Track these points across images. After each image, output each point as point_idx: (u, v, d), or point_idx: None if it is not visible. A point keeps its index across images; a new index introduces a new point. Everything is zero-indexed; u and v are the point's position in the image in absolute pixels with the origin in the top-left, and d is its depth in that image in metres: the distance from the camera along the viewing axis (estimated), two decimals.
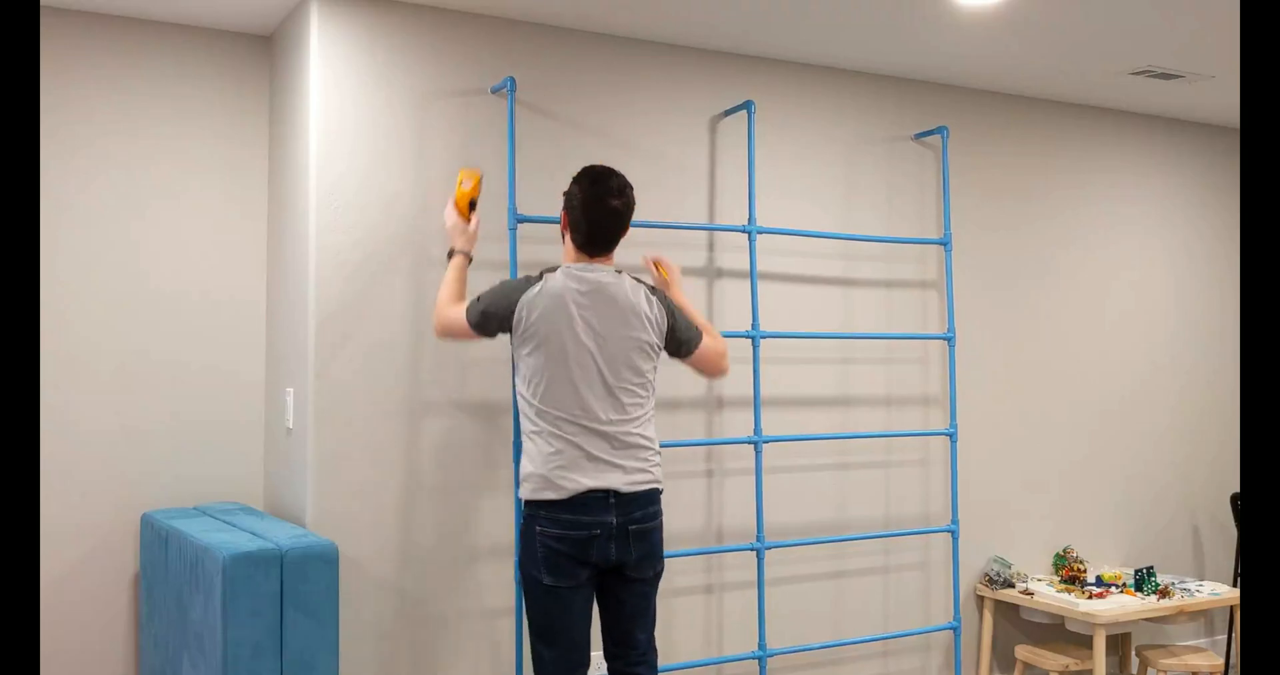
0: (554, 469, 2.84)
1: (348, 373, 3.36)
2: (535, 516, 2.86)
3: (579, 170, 2.99)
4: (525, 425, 2.93)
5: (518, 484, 3.00)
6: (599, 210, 2.91)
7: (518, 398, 2.97)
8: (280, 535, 2.96)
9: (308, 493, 3.31)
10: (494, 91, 3.58)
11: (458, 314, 2.99)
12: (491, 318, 2.94)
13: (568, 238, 3.00)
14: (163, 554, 3.26)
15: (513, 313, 2.89)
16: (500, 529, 3.56)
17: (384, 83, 3.44)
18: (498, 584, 3.55)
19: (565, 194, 2.99)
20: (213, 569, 2.82)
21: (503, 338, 3.57)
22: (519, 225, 3.58)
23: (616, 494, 2.85)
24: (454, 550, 3.49)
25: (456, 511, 3.50)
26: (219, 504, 3.62)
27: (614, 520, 2.84)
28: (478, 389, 3.53)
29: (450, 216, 3.20)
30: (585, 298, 2.89)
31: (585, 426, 2.86)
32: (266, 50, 3.80)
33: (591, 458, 2.84)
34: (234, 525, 3.17)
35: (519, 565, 2.95)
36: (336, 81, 3.38)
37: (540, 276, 2.94)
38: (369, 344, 3.39)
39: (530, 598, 2.89)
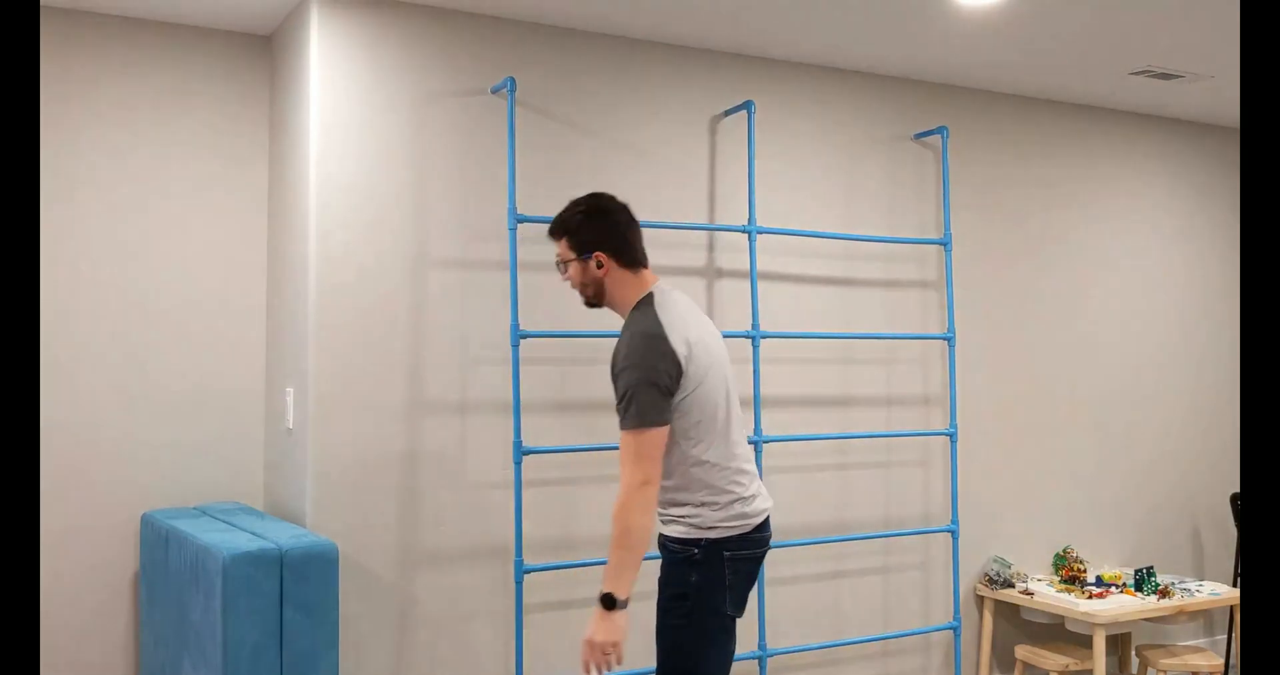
0: (747, 504, 2.62)
1: (348, 373, 3.36)
2: (724, 541, 2.59)
3: (584, 205, 2.68)
4: (696, 472, 2.59)
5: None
6: (633, 219, 2.69)
7: (683, 440, 2.58)
8: (280, 535, 2.96)
9: (308, 493, 3.31)
10: (494, 91, 3.58)
11: (641, 442, 2.49)
12: (665, 388, 2.52)
13: (614, 267, 2.65)
14: (163, 554, 3.26)
15: (678, 362, 2.54)
16: (500, 529, 3.56)
17: (384, 83, 3.44)
18: (498, 584, 3.55)
19: (585, 231, 2.65)
20: (213, 569, 2.82)
21: (500, 337, 3.58)
22: (519, 225, 3.58)
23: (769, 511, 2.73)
24: (454, 550, 3.49)
25: (456, 512, 3.50)
26: (219, 504, 3.62)
27: (769, 535, 2.72)
28: (478, 389, 3.53)
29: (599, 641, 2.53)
30: (695, 316, 2.67)
31: (743, 447, 2.68)
32: (266, 50, 3.80)
33: (754, 477, 2.68)
34: (234, 525, 3.17)
35: (695, 599, 2.57)
36: (336, 81, 3.38)
37: (649, 309, 2.61)
38: (369, 344, 3.39)
39: (700, 633, 2.57)
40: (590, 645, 2.47)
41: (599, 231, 2.64)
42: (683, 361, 2.54)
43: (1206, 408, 5.14)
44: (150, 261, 3.63)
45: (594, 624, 2.48)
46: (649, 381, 2.49)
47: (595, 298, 2.71)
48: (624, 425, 2.51)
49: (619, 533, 2.46)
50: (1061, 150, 4.73)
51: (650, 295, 2.64)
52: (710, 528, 2.58)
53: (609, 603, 2.46)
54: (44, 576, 3.48)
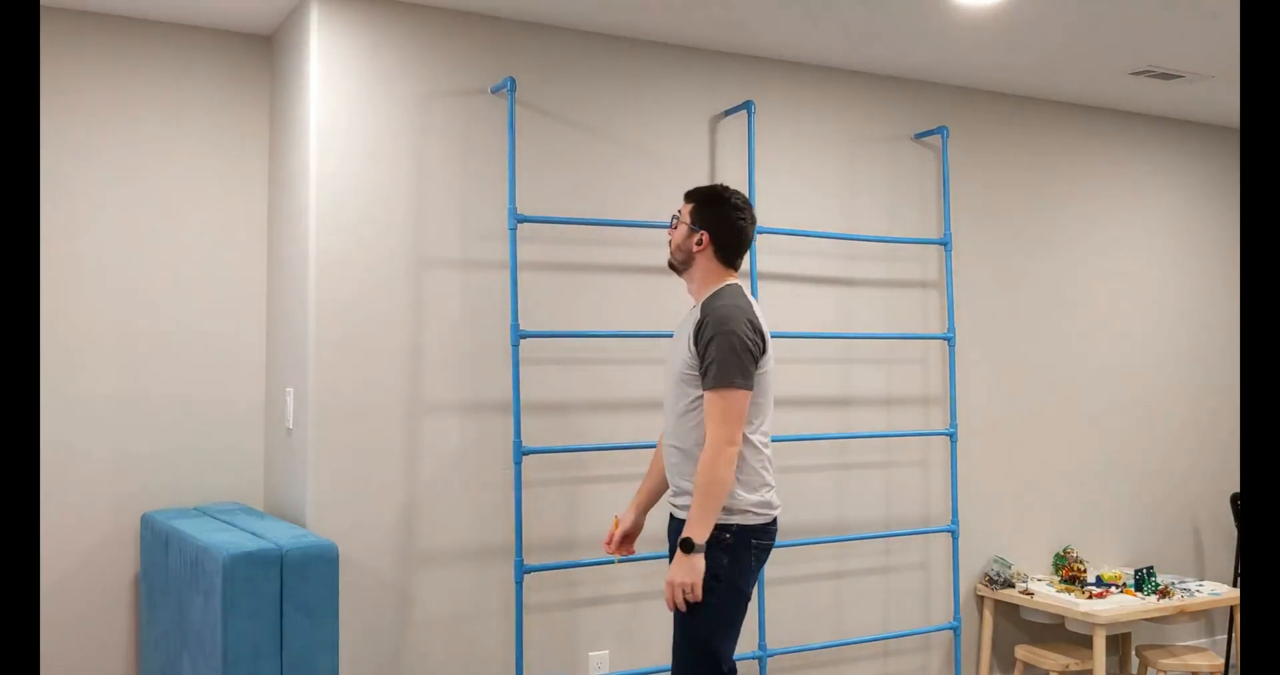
0: (771, 493, 2.83)
1: (348, 373, 3.36)
2: (751, 529, 2.79)
3: (725, 193, 2.89)
4: (748, 454, 2.79)
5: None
6: (751, 229, 2.92)
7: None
8: (280, 535, 2.97)
9: (308, 493, 3.31)
10: (494, 91, 3.58)
11: (730, 402, 2.71)
12: (754, 356, 2.76)
13: (710, 254, 2.89)
14: (163, 554, 3.26)
15: (761, 342, 2.79)
16: (500, 529, 3.56)
17: (384, 83, 3.44)
18: (498, 584, 3.55)
19: (709, 209, 2.89)
20: (213, 569, 2.82)
21: (499, 337, 3.58)
22: (519, 225, 3.58)
23: None
24: (454, 550, 3.49)
25: (456, 511, 3.50)
26: (219, 504, 3.62)
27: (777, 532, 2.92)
28: (478, 389, 3.53)
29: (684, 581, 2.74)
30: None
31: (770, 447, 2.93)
32: (266, 50, 3.80)
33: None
34: (234, 525, 3.17)
35: (727, 581, 2.75)
36: (336, 81, 3.38)
37: (738, 293, 2.84)
38: (369, 344, 3.39)
39: (730, 609, 2.77)
40: (673, 585, 2.70)
41: (718, 219, 2.89)
42: (764, 342, 2.80)
43: (1207, 407, 5.14)
44: (150, 261, 3.63)
45: (676, 567, 2.70)
46: (742, 347, 2.73)
47: (681, 265, 2.95)
48: (714, 384, 2.72)
49: (706, 483, 2.68)
50: (1062, 150, 4.73)
51: (736, 285, 2.90)
52: (742, 511, 2.77)
53: (688, 546, 2.68)
54: (44, 577, 3.48)
